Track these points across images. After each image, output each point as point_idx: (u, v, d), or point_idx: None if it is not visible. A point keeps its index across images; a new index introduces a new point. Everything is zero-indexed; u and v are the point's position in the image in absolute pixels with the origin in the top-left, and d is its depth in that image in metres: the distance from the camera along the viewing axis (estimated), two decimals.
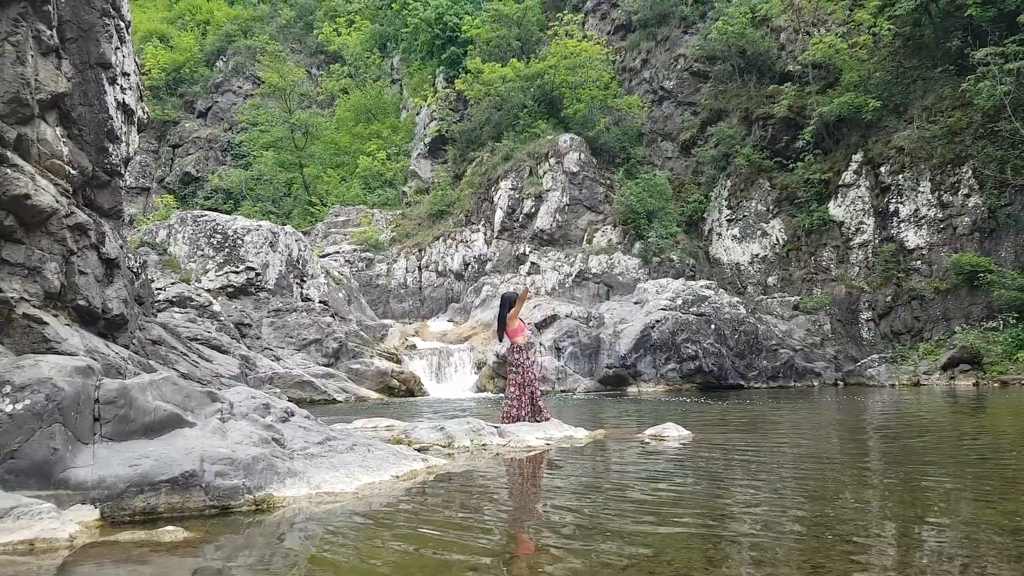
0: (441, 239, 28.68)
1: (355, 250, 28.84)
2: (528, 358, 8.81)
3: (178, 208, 29.60)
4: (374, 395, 16.47)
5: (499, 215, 27.33)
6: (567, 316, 20.84)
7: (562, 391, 18.66)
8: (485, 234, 27.81)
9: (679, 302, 20.22)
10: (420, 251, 28.97)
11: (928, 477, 5.50)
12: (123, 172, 10.16)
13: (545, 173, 26.96)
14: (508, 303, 9.00)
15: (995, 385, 16.49)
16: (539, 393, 8.87)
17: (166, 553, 3.56)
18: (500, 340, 9.16)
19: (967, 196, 20.34)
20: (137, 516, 4.16)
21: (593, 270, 24.79)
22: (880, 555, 3.43)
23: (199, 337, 13.83)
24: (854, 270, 22.47)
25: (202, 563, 3.47)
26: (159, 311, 14.17)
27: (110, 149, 9.20)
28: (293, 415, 5.74)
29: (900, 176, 21.76)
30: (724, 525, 4.04)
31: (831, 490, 5.09)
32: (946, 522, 4.07)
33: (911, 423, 10.09)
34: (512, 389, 8.75)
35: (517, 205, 27.22)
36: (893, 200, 21.93)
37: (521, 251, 26.58)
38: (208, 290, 17.34)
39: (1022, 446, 7.40)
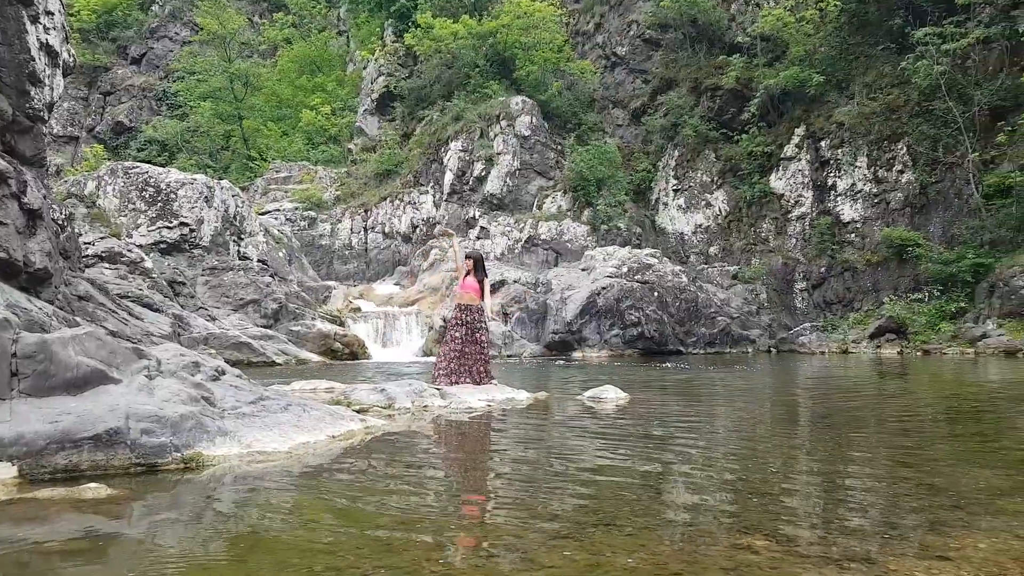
0: (388, 200, 28.20)
1: (297, 208, 28.10)
2: (456, 318, 8.78)
3: (109, 159, 28.17)
4: (315, 358, 16.23)
5: (448, 177, 26.99)
6: (515, 282, 20.90)
7: (509, 356, 18.78)
8: (434, 196, 27.45)
9: (624, 270, 20.49)
10: (366, 211, 28.43)
11: (850, 436, 5.76)
12: (47, 118, 9.57)
13: (496, 136, 26.66)
14: (478, 261, 8.96)
15: (918, 354, 17.34)
16: (480, 357, 8.77)
17: (88, 510, 3.45)
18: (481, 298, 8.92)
19: (901, 172, 21.08)
20: (58, 474, 4.01)
21: (543, 236, 24.82)
22: (802, 507, 3.57)
23: (129, 294, 13.32)
24: (791, 241, 23.13)
25: (125, 520, 3.37)
26: (87, 267, 13.54)
27: (32, 92, 8.63)
28: (224, 374, 5.60)
29: (839, 151, 22.36)
30: (653, 480, 4.14)
31: (759, 449, 5.28)
32: (866, 475, 4.29)
33: (838, 388, 10.54)
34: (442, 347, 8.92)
35: (467, 168, 26.90)
36: (831, 174, 22.56)
37: (471, 215, 26.36)
38: (139, 246, 16.66)
39: (937, 409, 7.83)
